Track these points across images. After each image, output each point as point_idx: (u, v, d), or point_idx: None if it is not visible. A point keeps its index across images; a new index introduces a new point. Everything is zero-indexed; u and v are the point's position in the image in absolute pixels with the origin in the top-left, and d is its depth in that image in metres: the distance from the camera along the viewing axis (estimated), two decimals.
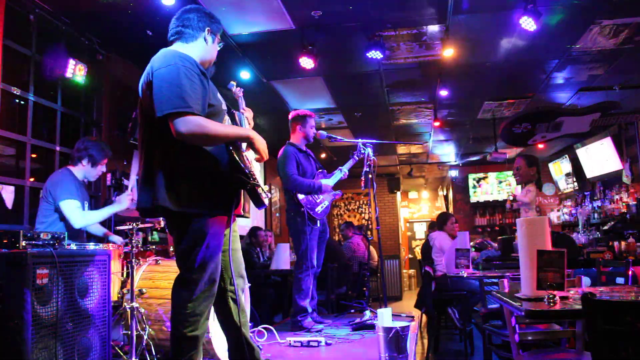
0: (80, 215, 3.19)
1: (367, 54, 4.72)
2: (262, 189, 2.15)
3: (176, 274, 3.24)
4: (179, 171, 2.00)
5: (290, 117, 4.24)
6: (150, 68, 2.02)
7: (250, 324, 3.50)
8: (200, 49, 2.17)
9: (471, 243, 6.26)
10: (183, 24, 2.16)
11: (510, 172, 10.73)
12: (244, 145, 2.16)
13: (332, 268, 5.35)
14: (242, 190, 2.18)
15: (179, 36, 2.17)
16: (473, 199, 11.32)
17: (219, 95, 2.21)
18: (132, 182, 3.44)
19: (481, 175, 11.34)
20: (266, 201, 2.15)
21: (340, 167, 4.27)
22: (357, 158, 4.10)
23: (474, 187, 11.37)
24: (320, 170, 4.21)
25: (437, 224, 5.58)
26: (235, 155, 2.05)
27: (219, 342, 3.12)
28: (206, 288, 2.08)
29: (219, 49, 2.29)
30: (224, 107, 2.23)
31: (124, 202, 3.39)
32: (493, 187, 11.28)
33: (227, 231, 2.20)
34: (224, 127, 2.09)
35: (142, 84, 2.06)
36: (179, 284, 2.09)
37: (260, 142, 2.13)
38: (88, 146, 3.40)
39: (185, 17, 2.18)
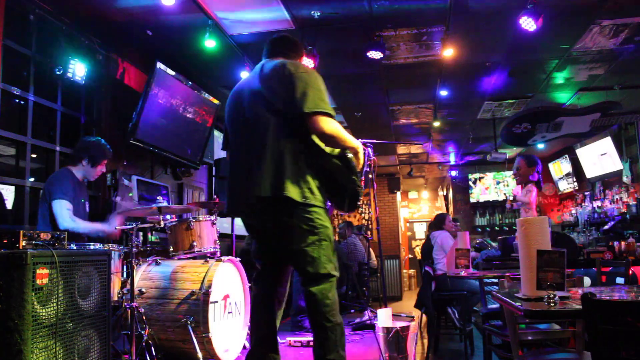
0: (69, 217, 3.18)
1: (367, 54, 4.72)
2: (360, 194, 2.33)
3: (176, 274, 3.26)
4: (305, 166, 2.17)
5: None
6: (282, 69, 2.24)
7: (250, 324, 3.50)
8: None
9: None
10: (287, 47, 2.51)
11: (507, 172, 10.73)
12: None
13: None
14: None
15: (282, 54, 2.45)
16: (472, 199, 11.31)
17: None
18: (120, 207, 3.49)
19: (477, 175, 11.32)
20: (359, 205, 2.36)
21: None
22: None
23: (470, 188, 11.35)
24: None
25: (436, 224, 5.57)
26: (351, 159, 2.25)
27: (219, 342, 3.12)
28: (336, 276, 2.18)
29: None
30: None
31: (113, 227, 3.38)
32: (490, 187, 11.25)
33: None
34: (348, 134, 2.28)
35: (269, 80, 2.26)
36: (318, 280, 2.14)
37: (362, 154, 2.35)
38: (88, 146, 3.41)
39: (289, 42, 2.54)
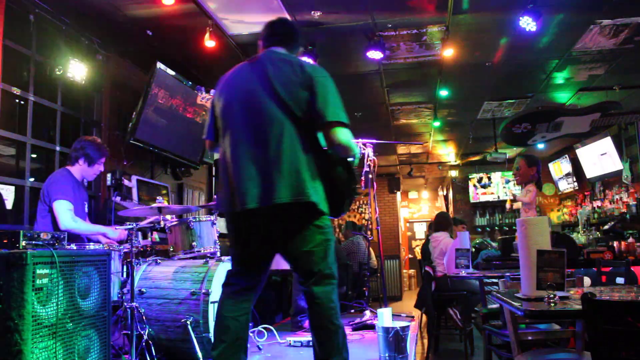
0: (70, 217, 3.18)
1: (367, 54, 4.72)
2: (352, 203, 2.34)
3: (176, 273, 3.26)
4: (316, 172, 2.14)
5: None
6: (301, 70, 2.18)
7: (250, 324, 3.51)
8: None
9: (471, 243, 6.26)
10: (289, 34, 2.41)
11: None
12: None
13: None
14: None
15: (283, 43, 2.37)
16: (472, 199, 11.28)
17: None
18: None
19: (478, 175, 11.29)
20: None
21: None
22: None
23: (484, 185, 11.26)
24: None
25: (441, 224, 5.54)
26: (354, 168, 2.24)
27: None
28: (337, 279, 2.18)
29: None
30: None
31: (116, 234, 3.37)
32: (498, 187, 11.17)
33: None
34: (354, 142, 2.24)
35: (286, 80, 2.17)
36: (322, 281, 2.12)
37: (358, 157, 2.31)
38: (84, 145, 3.40)
39: (291, 29, 2.44)
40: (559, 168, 9.87)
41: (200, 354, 2.98)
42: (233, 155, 2.17)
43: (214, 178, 6.41)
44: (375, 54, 4.70)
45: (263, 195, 2.06)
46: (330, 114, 2.12)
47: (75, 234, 3.21)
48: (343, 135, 2.12)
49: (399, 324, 2.69)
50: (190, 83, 5.17)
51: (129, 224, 3.15)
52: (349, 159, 2.23)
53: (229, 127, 2.23)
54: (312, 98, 2.13)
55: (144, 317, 3.04)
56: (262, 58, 2.29)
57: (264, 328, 3.66)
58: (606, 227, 6.99)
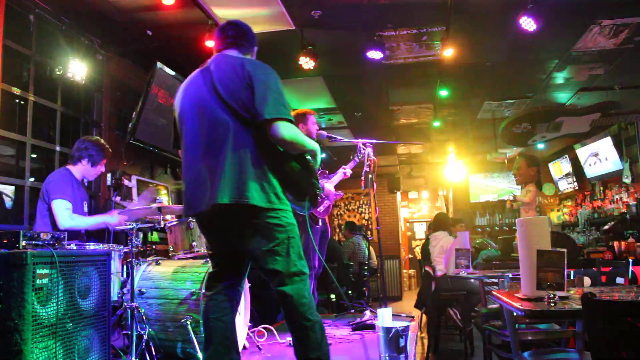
0: (68, 216, 3.17)
1: (367, 54, 4.72)
2: (319, 198, 2.34)
3: (176, 274, 3.26)
4: (268, 169, 2.12)
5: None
6: (241, 69, 2.14)
7: (250, 324, 3.51)
8: None
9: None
10: (241, 36, 2.36)
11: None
12: None
13: (332, 268, 5.35)
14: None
15: (236, 44, 2.33)
16: (472, 199, 11.27)
17: None
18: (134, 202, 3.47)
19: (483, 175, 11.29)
20: (320, 208, 2.34)
21: (343, 166, 4.27)
22: (357, 160, 4.10)
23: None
24: (322, 170, 4.20)
25: (440, 224, 5.54)
26: (312, 163, 2.24)
27: None
28: (307, 274, 2.16)
29: None
30: None
31: (115, 219, 3.37)
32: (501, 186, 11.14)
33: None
34: (306, 137, 2.21)
35: (227, 80, 2.16)
36: (291, 279, 2.09)
37: (319, 156, 2.29)
38: (88, 146, 3.40)
39: (243, 30, 2.38)
40: (559, 168, 9.87)
41: (200, 354, 2.98)
42: (185, 161, 2.24)
43: None
44: (375, 54, 4.70)
45: (206, 199, 2.09)
46: (267, 111, 2.06)
47: (76, 230, 3.21)
48: (285, 130, 2.07)
49: (399, 324, 2.68)
50: None
51: (129, 224, 3.15)
52: (307, 156, 2.21)
53: (183, 134, 2.28)
54: (252, 97, 2.09)
55: (144, 317, 3.04)
56: (210, 63, 2.28)
57: (264, 328, 3.66)
58: (606, 227, 6.99)
